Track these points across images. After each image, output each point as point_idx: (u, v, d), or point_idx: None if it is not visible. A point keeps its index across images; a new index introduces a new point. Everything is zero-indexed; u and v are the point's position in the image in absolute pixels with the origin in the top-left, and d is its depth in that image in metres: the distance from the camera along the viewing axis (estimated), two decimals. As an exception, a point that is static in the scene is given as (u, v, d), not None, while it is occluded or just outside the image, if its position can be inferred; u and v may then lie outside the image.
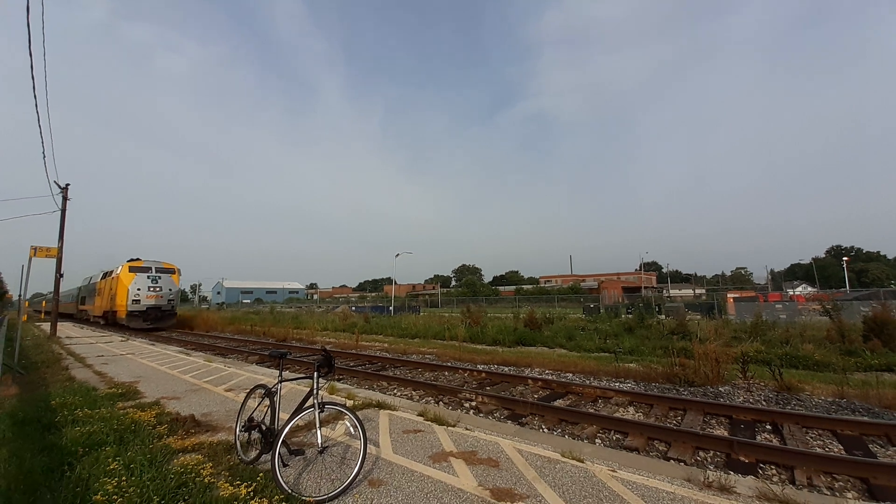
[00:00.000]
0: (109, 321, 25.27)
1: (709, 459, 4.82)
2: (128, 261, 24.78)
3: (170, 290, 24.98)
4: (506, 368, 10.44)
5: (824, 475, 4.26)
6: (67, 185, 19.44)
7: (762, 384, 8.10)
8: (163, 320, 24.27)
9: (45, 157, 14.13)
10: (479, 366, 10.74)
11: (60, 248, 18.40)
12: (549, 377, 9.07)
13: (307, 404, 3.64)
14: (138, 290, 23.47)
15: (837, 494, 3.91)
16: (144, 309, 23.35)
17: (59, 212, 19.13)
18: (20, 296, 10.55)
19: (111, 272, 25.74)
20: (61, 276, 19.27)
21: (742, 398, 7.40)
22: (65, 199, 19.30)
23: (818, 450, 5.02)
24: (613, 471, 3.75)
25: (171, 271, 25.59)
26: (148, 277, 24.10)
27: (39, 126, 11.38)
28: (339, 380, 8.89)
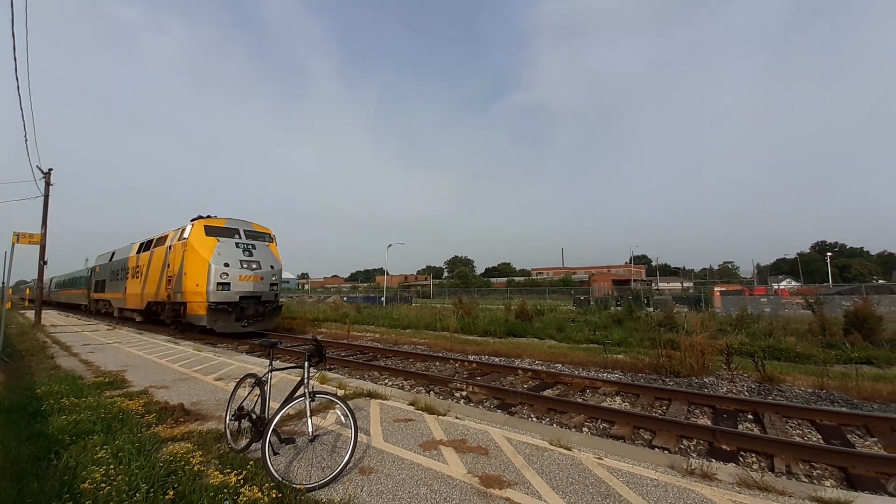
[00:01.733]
0: (164, 318, 15.97)
1: (692, 448, 4.93)
2: (195, 218, 15.28)
3: (271, 267, 15.35)
4: (496, 359, 10.53)
5: (803, 463, 4.39)
6: (50, 169, 18.95)
7: (745, 375, 8.29)
8: (266, 318, 15.02)
9: (27, 140, 13.75)
10: (470, 356, 10.82)
11: (44, 235, 18.00)
12: (539, 367, 9.18)
13: (298, 393, 3.64)
14: (226, 265, 13.89)
15: (816, 482, 4.03)
16: (237, 299, 14.04)
17: (43, 197, 18.67)
18: (3, 283, 10.32)
19: (165, 237, 16.57)
20: (45, 263, 18.88)
21: (725, 389, 7.56)
22: (48, 184, 18.82)
23: (797, 439, 5.16)
24: (600, 458, 3.83)
25: (266, 237, 16.32)
26: (237, 246, 14.70)
27: (21, 109, 11.04)
28: (330, 369, 8.89)
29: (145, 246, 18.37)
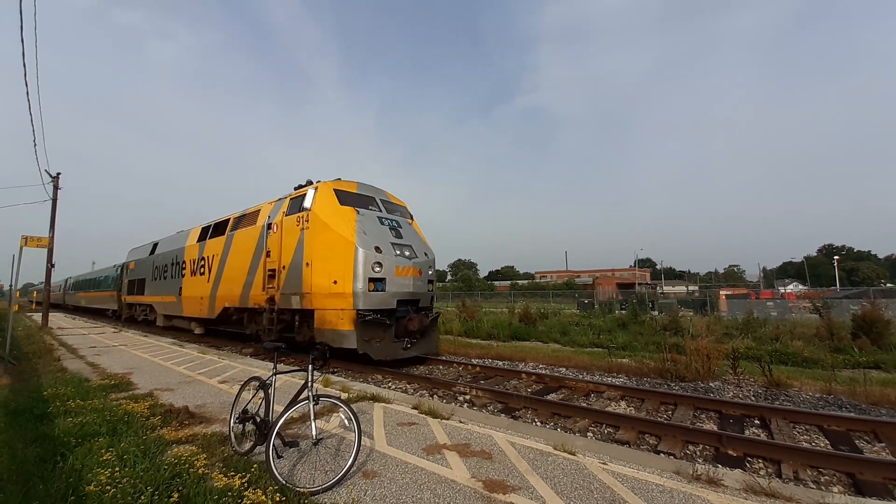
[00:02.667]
0: (255, 331, 11.24)
1: (698, 453, 4.89)
2: (298, 187, 10.75)
3: (426, 255, 10.35)
4: (500, 362, 10.50)
5: (811, 469, 4.34)
6: (59, 173, 19.17)
7: (752, 380, 8.22)
8: (426, 335, 9.92)
9: (35, 145, 13.94)
10: (473, 360, 10.80)
11: (52, 238, 18.18)
12: (543, 371, 9.14)
13: (302, 397, 3.65)
14: (377, 250, 9.09)
15: (823, 488, 3.98)
16: (394, 304, 9.25)
17: (51, 201, 18.88)
18: (11, 286, 10.42)
19: (255, 213, 11.90)
20: (52, 266, 19.06)
21: (732, 393, 7.50)
22: (56, 188, 19.03)
23: (805, 444, 5.10)
24: (604, 463, 3.80)
25: (405, 213, 11.42)
26: (382, 222, 9.96)
27: (31, 114, 11.21)
28: (333, 373, 8.90)
29: (215, 230, 13.67)
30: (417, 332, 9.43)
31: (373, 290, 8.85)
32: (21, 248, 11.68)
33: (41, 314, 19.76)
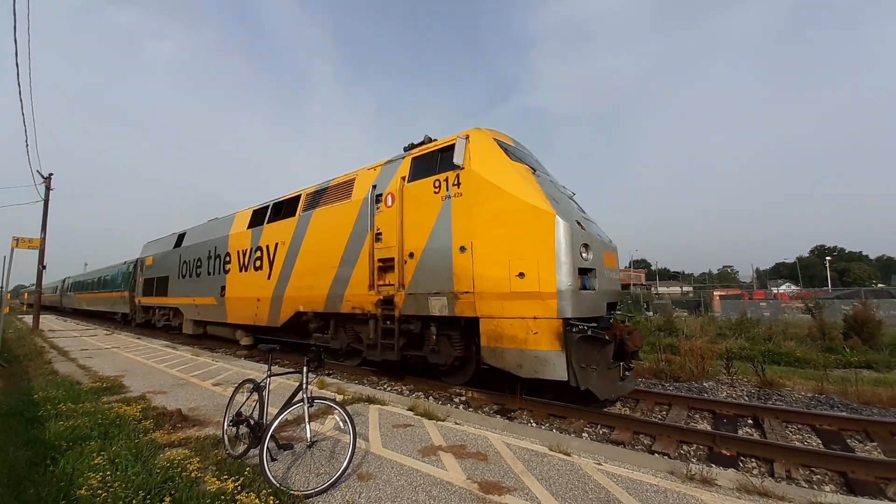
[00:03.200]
0: (345, 345, 8.83)
1: (692, 453, 4.91)
2: (411, 147, 8.15)
3: (609, 242, 7.09)
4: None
5: (803, 468, 4.37)
6: (51, 174, 19.00)
7: (745, 380, 8.28)
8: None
9: (27, 145, 13.81)
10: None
11: (43, 240, 18.00)
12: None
13: (296, 399, 3.64)
14: (579, 225, 5.91)
15: (815, 487, 4.02)
16: (603, 310, 6.11)
17: (43, 202, 18.70)
18: (1, 288, 10.30)
19: (347, 183, 8.93)
20: (44, 267, 18.87)
21: (725, 393, 7.55)
22: (48, 188, 18.86)
23: (797, 444, 5.15)
24: (599, 464, 3.81)
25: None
26: (561, 191, 7.09)
27: (23, 114, 11.11)
28: (328, 375, 8.86)
29: (277, 212, 10.68)
30: (636, 352, 6.46)
31: (582, 288, 5.76)
32: (12, 249, 11.55)
33: (32, 316, 19.53)
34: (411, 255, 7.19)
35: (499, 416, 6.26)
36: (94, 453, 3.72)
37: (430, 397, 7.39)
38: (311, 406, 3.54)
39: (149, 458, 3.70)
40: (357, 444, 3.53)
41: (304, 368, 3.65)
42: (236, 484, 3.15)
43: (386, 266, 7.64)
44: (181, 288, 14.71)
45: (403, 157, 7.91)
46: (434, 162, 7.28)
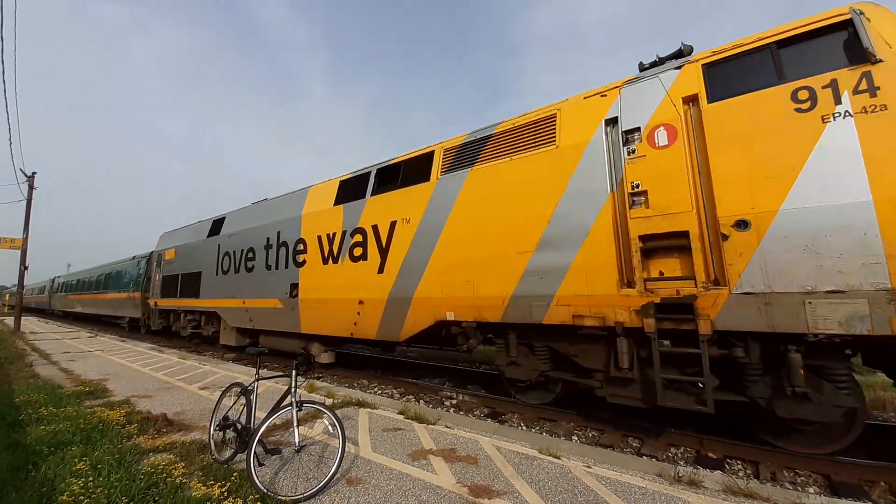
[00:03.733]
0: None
1: (679, 455, 4.96)
2: (681, 55, 5.21)
3: None
4: (487, 367, 10.50)
5: (787, 470, 4.44)
6: (34, 173, 18.61)
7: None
8: None
9: (11, 143, 13.53)
10: (460, 364, 10.78)
11: (25, 240, 17.63)
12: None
13: (285, 403, 3.61)
14: None
15: (800, 489, 4.08)
16: None
17: (25, 201, 18.30)
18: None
19: (549, 117, 5.85)
20: (26, 268, 18.44)
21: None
22: (31, 188, 18.46)
23: (782, 446, 5.21)
24: (589, 467, 3.83)
25: None
26: None
27: (7, 112, 10.88)
28: (318, 378, 8.79)
29: (385, 179, 8.04)
30: None
31: None
32: (-7, 249, 11.28)
33: (13, 318, 19.06)
34: (742, 223, 4.34)
35: (489, 419, 6.27)
36: (77, 458, 3.64)
37: (421, 401, 7.36)
38: (300, 410, 3.51)
39: (132, 463, 3.63)
40: (346, 449, 3.50)
41: (293, 372, 3.62)
42: (222, 489, 3.11)
43: (658, 247, 4.84)
44: (221, 287, 11.48)
45: (678, 68, 5.09)
46: (767, 63, 4.56)
